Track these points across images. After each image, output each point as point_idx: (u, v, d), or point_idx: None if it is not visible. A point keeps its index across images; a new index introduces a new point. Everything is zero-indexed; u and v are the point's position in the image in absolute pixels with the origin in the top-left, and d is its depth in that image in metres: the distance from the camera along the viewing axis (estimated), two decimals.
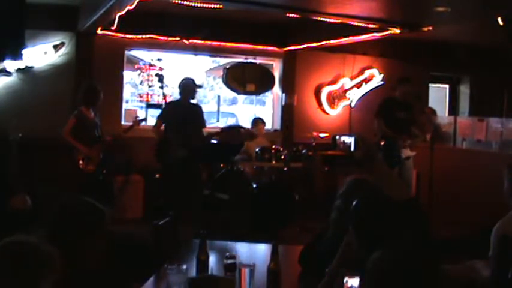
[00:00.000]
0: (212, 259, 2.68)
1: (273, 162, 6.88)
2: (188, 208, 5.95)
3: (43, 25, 6.95)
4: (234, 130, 6.96)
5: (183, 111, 6.41)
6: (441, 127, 7.68)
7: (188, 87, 6.49)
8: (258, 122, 7.72)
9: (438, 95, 10.23)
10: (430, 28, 6.79)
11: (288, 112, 8.71)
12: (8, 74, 6.98)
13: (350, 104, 8.96)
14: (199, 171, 6.57)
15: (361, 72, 9.03)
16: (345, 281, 2.09)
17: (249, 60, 8.48)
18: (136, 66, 8.66)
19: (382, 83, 8.96)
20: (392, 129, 6.77)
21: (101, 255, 2.09)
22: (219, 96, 12.03)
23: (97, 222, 2.11)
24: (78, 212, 2.09)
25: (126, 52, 7.94)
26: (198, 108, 6.68)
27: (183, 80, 6.58)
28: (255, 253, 3.42)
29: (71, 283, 1.98)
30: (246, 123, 8.10)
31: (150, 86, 8.50)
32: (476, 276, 3.31)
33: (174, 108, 6.54)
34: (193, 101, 6.71)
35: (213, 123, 9.49)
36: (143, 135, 6.80)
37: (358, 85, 8.96)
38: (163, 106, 6.79)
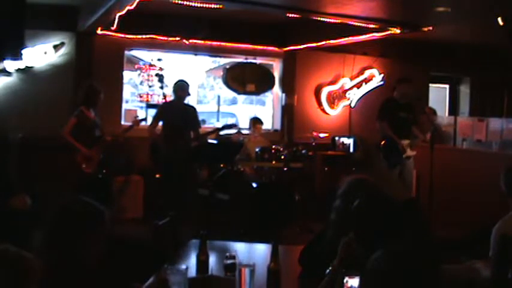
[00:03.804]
0: (212, 259, 2.68)
1: (273, 162, 6.87)
2: (184, 208, 5.95)
3: (43, 25, 6.95)
4: (229, 128, 6.98)
5: (177, 113, 6.44)
6: (441, 127, 7.66)
7: (182, 89, 6.52)
8: (255, 121, 7.72)
9: (438, 95, 10.24)
10: (430, 28, 6.79)
11: (288, 112, 8.71)
12: (8, 74, 6.98)
13: (350, 104, 8.95)
14: (193, 171, 6.57)
15: (361, 72, 9.03)
16: (345, 281, 2.09)
17: (249, 60, 8.47)
18: (136, 66, 8.66)
19: (382, 83, 8.96)
20: (395, 130, 6.76)
21: (100, 255, 2.09)
22: (219, 96, 12.05)
23: (97, 223, 2.11)
24: (78, 212, 2.08)
25: (126, 52, 7.94)
26: (192, 110, 6.71)
27: (177, 81, 6.62)
28: (255, 253, 3.41)
29: (71, 283, 1.98)
30: (246, 124, 8.10)
31: (150, 86, 8.50)
32: (476, 276, 3.30)
33: (168, 109, 6.57)
34: (189, 103, 6.73)
35: (213, 124, 9.50)
36: (143, 135, 6.79)
37: (358, 85, 8.96)
38: (159, 106, 6.81)
